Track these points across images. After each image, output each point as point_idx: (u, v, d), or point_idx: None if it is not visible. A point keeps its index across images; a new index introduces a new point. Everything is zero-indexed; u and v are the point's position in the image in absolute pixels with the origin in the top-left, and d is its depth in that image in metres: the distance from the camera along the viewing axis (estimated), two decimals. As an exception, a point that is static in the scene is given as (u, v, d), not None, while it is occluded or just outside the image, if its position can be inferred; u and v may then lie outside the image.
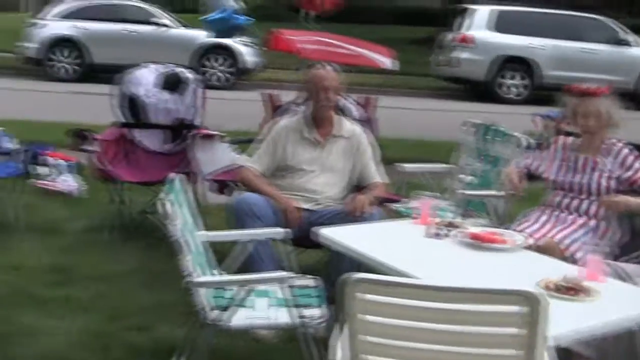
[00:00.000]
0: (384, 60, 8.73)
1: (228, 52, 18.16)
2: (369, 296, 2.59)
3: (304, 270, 4.17)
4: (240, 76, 18.31)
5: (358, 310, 2.62)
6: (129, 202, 6.32)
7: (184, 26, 19.00)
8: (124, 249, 5.79)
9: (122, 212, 6.27)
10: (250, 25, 11.37)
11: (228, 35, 17.69)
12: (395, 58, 8.27)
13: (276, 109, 6.04)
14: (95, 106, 9.50)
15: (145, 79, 6.74)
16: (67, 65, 18.35)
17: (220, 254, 4.14)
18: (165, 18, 19.03)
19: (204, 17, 10.50)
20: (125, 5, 19.37)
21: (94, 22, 18.48)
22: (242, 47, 18.19)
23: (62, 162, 7.56)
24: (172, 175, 3.86)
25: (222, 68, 18.13)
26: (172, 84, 6.73)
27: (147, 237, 6.00)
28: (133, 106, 6.65)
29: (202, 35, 18.46)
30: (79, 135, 6.54)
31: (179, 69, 6.91)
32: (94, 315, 4.60)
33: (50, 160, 7.60)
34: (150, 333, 4.41)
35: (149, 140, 6.65)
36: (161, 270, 5.19)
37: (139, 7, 19.37)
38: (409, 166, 5.73)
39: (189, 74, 6.87)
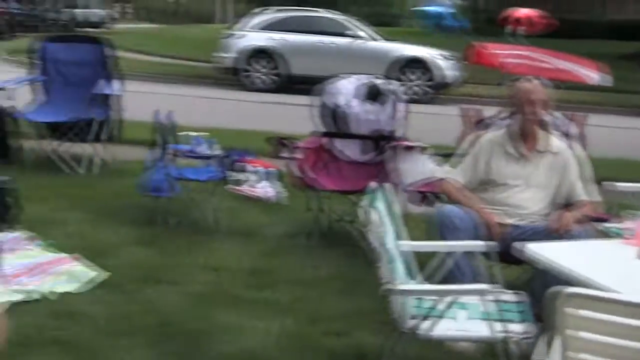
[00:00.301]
0: (593, 75, 8.58)
1: (425, 66, 18.30)
2: (581, 312, 2.60)
3: (505, 286, 4.19)
4: (438, 90, 18.37)
5: (568, 326, 2.62)
6: (327, 210, 6.54)
7: (380, 39, 19.29)
8: (322, 256, 5.99)
9: (321, 219, 6.48)
10: (465, 30, 11.47)
11: (439, 30, 17.84)
12: (608, 73, 8.10)
13: (477, 124, 6.08)
14: (291, 116, 9.84)
15: (345, 90, 6.94)
16: (263, 76, 19.02)
17: (419, 264, 4.23)
18: (360, 30, 19.38)
19: (421, 7, 10.71)
20: (321, 17, 19.89)
21: (291, 33, 19.07)
22: (441, 61, 18.27)
23: (261, 169, 7.91)
24: (374, 183, 3.99)
25: (419, 82, 18.26)
26: (372, 95, 6.90)
27: (345, 245, 6.20)
28: (334, 116, 6.87)
29: (399, 49, 18.70)
30: (280, 143, 6.82)
31: (379, 80, 7.09)
32: (292, 318, 4.79)
33: (249, 167, 7.97)
34: (347, 339, 4.55)
35: (349, 149, 6.85)
36: (359, 278, 5.36)
37: (334, 19, 19.82)
38: (620, 185, 5.61)
39: (389, 86, 7.03)
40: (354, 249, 5.97)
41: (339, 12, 21.04)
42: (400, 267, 3.93)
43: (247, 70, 19.04)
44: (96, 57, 8.94)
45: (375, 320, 4.58)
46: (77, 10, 39.44)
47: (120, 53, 10.03)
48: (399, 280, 3.78)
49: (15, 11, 35.18)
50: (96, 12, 46.27)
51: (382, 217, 3.83)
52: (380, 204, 3.90)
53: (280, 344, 4.47)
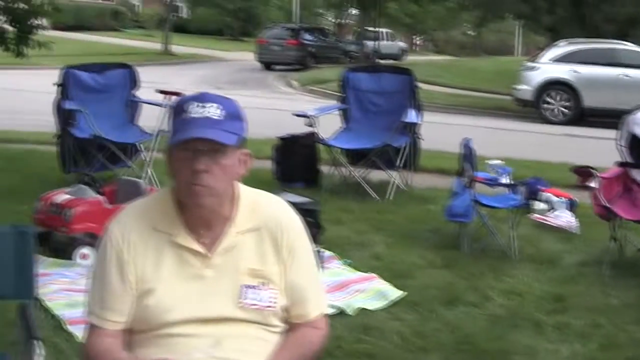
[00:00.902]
0: None
1: None
2: None
3: None
4: None
5: None
6: (624, 240, 6.57)
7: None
8: (618, 285, 6.04)
9: (619, 249, 6.53)
10: None
11: None
12: None
13: None
14: (586, 149, 9.84)
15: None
16: (559, 108, 18.98)
17: None
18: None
19: None
20: (623, 50, 19.55)
21: (588, 65, 18.91)
22: None
23: (558, 198, 8.04)
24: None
25: None
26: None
27: (643, 276, 6.26)
28: (636, 146, 6.84)
29: None
30: (583, 173, 6.90)
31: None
32: (587, 343, 4.92)
33: (550, 195, 8.14)
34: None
35: (650, 179, 6.80)
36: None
37: (638, 51, 19.31)
38: None
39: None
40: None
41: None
42: None
43: (544, 102, 19.10)
44: (402, 87, 9.40)
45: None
46: (373, 43, 40.83)
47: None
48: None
49: (312, 43, 37.10)
50: (393, 44, 47.88)
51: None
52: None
53: (569, 364, 4.62)
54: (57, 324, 4.88)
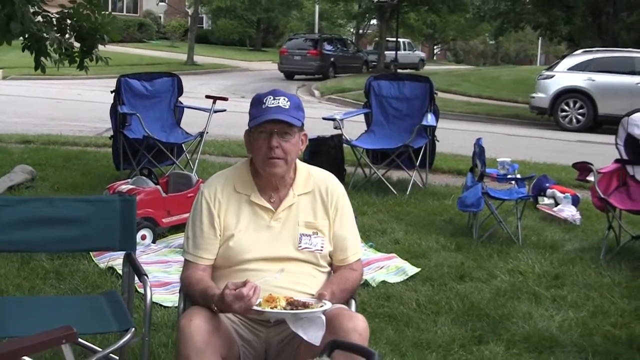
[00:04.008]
0: None
1: None
2: None
3: None
4: None
5: None
6: (619, 228, 7.39)
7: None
8: (611, 267, 6.83)
9: (612, 236, 7.35)
10: None
11: None
12: None
13: None
14: (597, 154, 10.52)
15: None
16: (575, 115, 19.76)
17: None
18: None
19: None
20: (636, 58, 20.12)
21: (604, 74, 19.61)
22: None
23: (563, 194, 8.88)
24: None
25: None
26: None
27: (634, 259, 7.06)
28: (630, 144, 7.63)
29: None
30: (582, 168, 7.58)
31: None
32: (578, 312, 5.72)
33: (553, 192, 9.00)
34: (627, 329, 5.41)
35: (640, 174, 7.61)
36: (640, 285, 6.26)
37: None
38: None
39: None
40: (641, 263, 6.82)
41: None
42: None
43: (561, 110, 19.90)
44: (421, 93, 10.22)
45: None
46: (391, 52, 41.59)
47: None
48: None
49: (332, 53, 37.94)
50: (412, 54, 48.69)
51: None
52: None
53: (562, 327, 5.41)
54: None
